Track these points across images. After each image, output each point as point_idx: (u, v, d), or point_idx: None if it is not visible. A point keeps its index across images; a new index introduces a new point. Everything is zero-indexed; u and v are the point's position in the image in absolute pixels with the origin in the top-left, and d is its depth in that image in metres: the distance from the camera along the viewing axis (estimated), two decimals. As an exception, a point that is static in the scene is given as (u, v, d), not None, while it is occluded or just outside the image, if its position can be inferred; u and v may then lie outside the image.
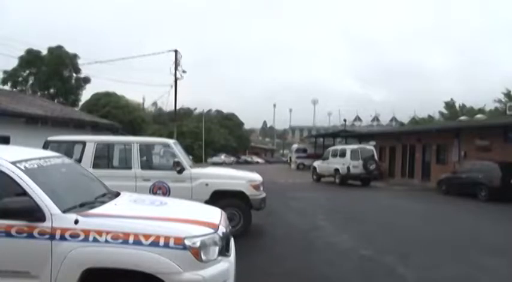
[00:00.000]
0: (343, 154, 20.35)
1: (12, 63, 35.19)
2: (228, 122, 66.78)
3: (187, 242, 3.01)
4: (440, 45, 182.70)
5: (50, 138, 7.61)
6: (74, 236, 2.93)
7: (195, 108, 71.14)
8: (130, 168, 7.29)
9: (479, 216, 11.01)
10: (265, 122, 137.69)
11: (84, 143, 7.37)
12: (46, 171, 3.45)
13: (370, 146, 22.83)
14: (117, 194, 4.01)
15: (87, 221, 3.00)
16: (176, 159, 7.34)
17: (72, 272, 2.90)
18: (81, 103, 37.74)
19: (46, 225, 2.93)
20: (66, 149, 7.20)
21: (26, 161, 3.27)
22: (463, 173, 15.73)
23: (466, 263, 6.02)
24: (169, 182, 7.17)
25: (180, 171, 7.20)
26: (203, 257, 3.06)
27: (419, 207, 12.62)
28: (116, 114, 34.39)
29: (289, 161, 44.55)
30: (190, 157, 8.72)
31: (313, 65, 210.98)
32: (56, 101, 30.64)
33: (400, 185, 21.03)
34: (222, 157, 53.60)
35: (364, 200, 13.99)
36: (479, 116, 26.11)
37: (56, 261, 2.90)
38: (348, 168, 19.67)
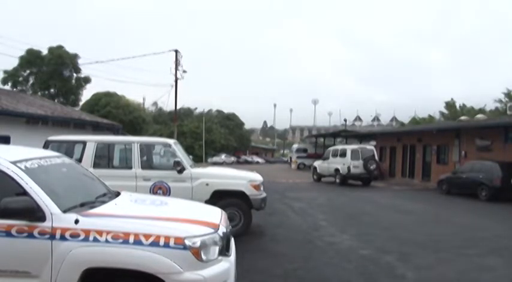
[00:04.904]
0: (343, 154, 20.32)
1: (12, 63, 35.28)
2: (228, 122, 66.75)
3: (187, 242, 3.01)
4: (441, 45, 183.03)
5: (51, 138, 7.61)
6: (74, 235, 2.93)
7: (196, 108, 71.27)
8: (130, 168, 7.29)
9: (480, 216, 10.99)
10: (265, 122, 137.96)
11: (84, 143, 7.36)
12: (46, 171, 3.45)
13: (370, 146, 22.82)
14: (118, 194, 4.01)
15: (88, 221, 3.00)
16: (176, 159, 7.33)
17: (72, 272, 2.90)
18: (81, 103, 37.76)
19: (46, 225, 2.93)
20: (67, 149, 7.20)
21: (26, 160, 3.27)
22: (464, 173, 15.72)
23: (466, 262, 6.01)
24: (169, 182, 7.16)
25: (181, 171, 7.20)
26: (203, 257, 3.06)
27: (419, 207, 12.60)
28: (117, 114, 34.38)
29: (289, 160, 44.54)
30: (191, 157, 8.72)
31: (313, 65, 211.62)
32: (56, 100, 30.61)
33: (400, 185, 21.01)
34: (223, 157, 53.64)
35: (364, 200, 13.98)
36: (479, 116, 26.02)
37: (56, 261, 2.90)
38: (349, 168, 19.64)
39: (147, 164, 7.51)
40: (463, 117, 27.74)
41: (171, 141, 7.87)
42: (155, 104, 60.13)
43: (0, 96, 14.43)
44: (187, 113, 66.06)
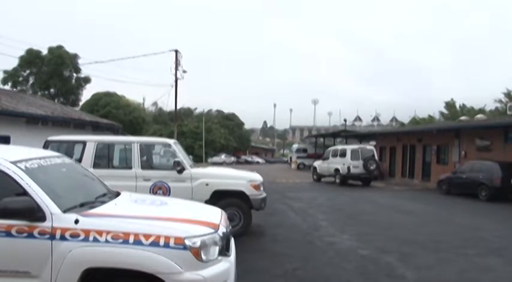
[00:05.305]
0: (343, 154, 20.32)
1: (12, 63, 35.35)
2: (228, 122, 66.71)
3: (187, 242, 3.01)
4: (441, 45, 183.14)
5: (50, 138, 7.61)
6: (74, 235, 2.93)
7: (196, 108, 71.33)
8: (130, 168, 7.29)
9: (480, 216, 10.99)
10: (265, 122, 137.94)
11: (84, 143, 7.36)
12: (46, 171, 3.45)
13: (370, 146, 22.81)
14: (118, 194, 4.01)
15: (88, 221, 3.00)
16: (176, 159, 7.34)
17: (72, 272, 2.90)
18: (81, 103, 37.81)
19: (46, 225, 2.93)
20: (67, 149, 7.21)
21: (26, 160, 3.26)
22: (464, 173, 15.72)
23: (466, 263, 6.01)
24: (169, 182, 7.16)
25: (181, 171, 7.20)
26: (203, 257, 3.06)
27: (419, 207, 12.60)
28: (116, 114, 34.46)
29: (289, 161, 44.54)
30: (191, 157, 8.72)
31: (313, 65, 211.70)
32: (56, 100, 30.64)
33: (400, 185, 21.02)
34: (222, 157, 53.63)
35: (364, 200, 13.98)
36: (479, 116, 26.03)
37: (56, 261, 2.90)
38: (348, 168, 19.64)
39: (147, 164, 7.51)
40: (463, 118, 27.77)
41: (171, 141, 7.87)
42: (155, 104, 60.21)
43: (0, 96, 14.43)
44: (187, 113, 66.08)
